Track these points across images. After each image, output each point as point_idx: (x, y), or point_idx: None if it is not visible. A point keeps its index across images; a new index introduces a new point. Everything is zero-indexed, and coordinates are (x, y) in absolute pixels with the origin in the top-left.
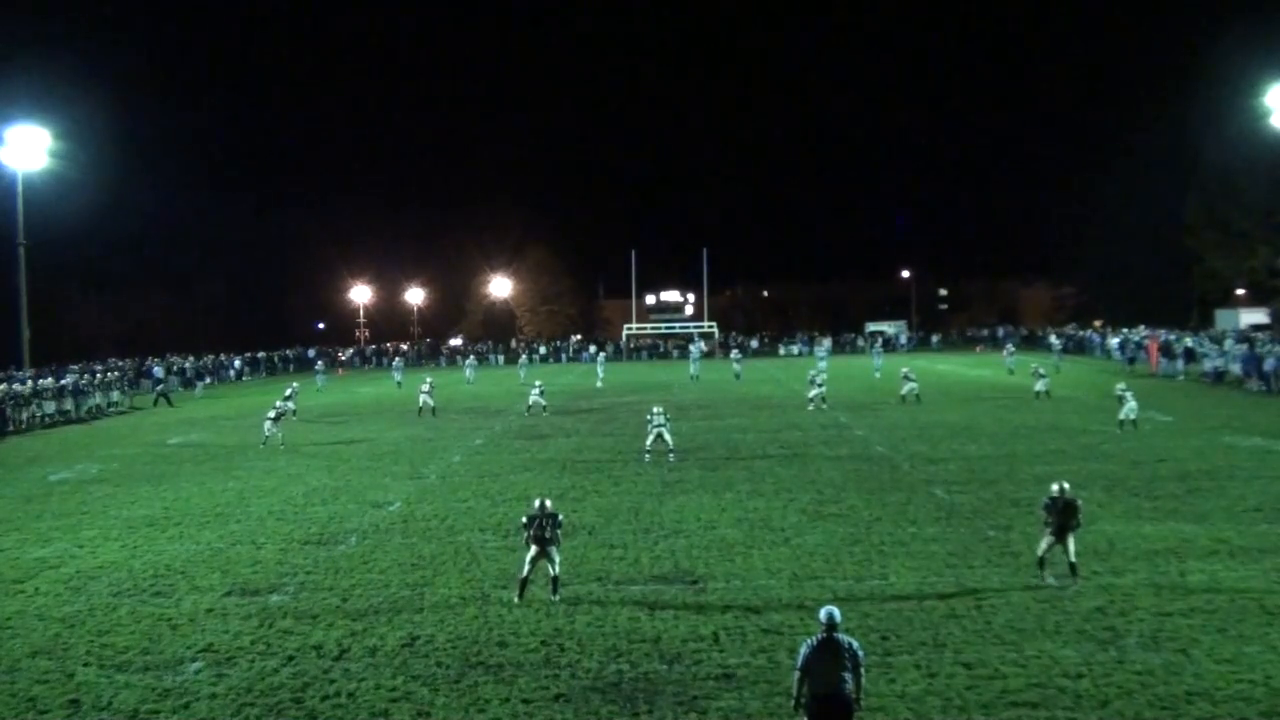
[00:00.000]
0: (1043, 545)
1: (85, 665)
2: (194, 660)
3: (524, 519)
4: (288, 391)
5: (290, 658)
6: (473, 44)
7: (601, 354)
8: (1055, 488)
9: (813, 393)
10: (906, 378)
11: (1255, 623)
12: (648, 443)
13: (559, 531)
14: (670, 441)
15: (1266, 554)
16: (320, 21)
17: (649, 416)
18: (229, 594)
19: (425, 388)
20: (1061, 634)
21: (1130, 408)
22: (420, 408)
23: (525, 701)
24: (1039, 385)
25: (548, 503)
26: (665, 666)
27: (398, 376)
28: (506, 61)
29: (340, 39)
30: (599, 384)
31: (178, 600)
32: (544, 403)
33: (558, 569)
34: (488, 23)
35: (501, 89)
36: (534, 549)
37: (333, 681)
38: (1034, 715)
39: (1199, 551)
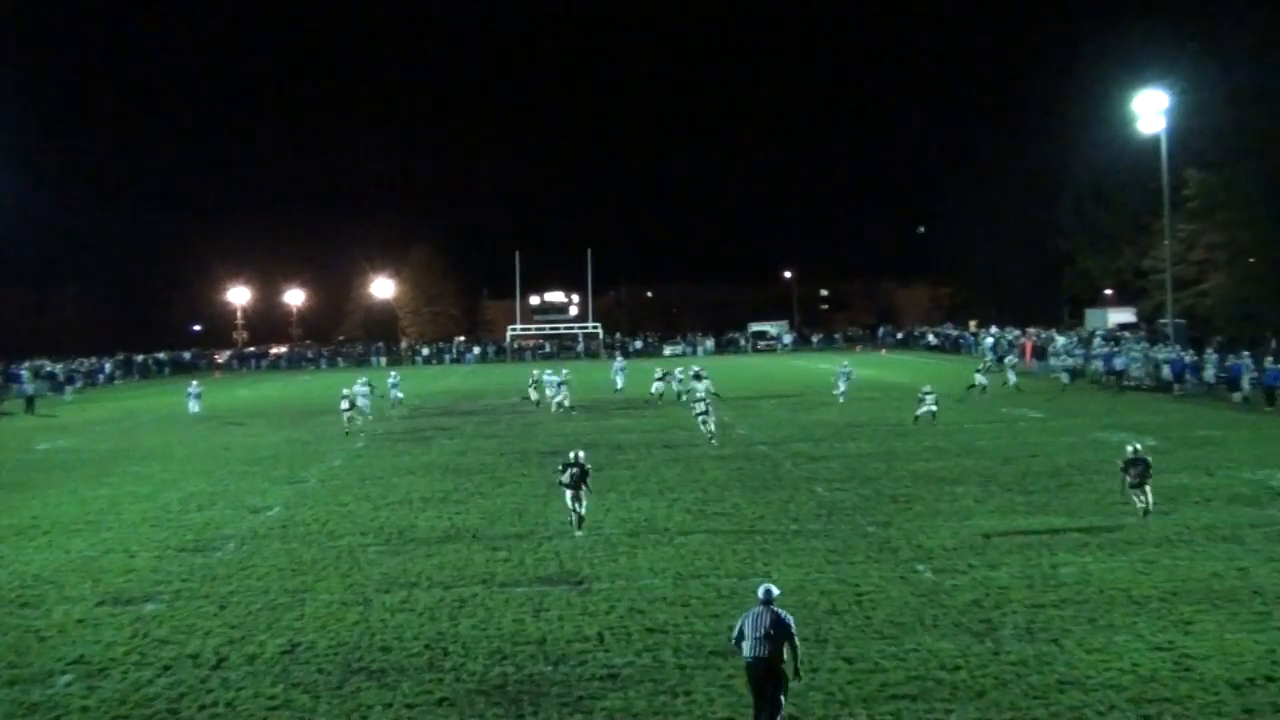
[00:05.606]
0: (1134, 497)
1: None
2: (64, 673)
3: (560, 466)
4: (361, 381)
5: (166, 668)
6: (354, 44)
7: (620, 357)
8: (1129, 449)
9: (655, 387)
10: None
11: (1123, 613)
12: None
13: (588, 479)
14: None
15: (1133, 546)
16: (197, 19)
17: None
18: (101, 604)
19: (363, 388)
20: (939, 627)
21: (928, 409)
22: (348, 418)
23: (409, 706)
24: (979, 380)
25: (581, 454)
26: (550, 668)
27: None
28: (387, 62)
29: (217, 36)
30: (619, 389)
31: (47, 611)
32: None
33: (585, 509)
34: (370, 23)
35: (382, 89)
36: (570, 492)
37: (210, 691)
38: (913, 708)
39: (1070, 544)
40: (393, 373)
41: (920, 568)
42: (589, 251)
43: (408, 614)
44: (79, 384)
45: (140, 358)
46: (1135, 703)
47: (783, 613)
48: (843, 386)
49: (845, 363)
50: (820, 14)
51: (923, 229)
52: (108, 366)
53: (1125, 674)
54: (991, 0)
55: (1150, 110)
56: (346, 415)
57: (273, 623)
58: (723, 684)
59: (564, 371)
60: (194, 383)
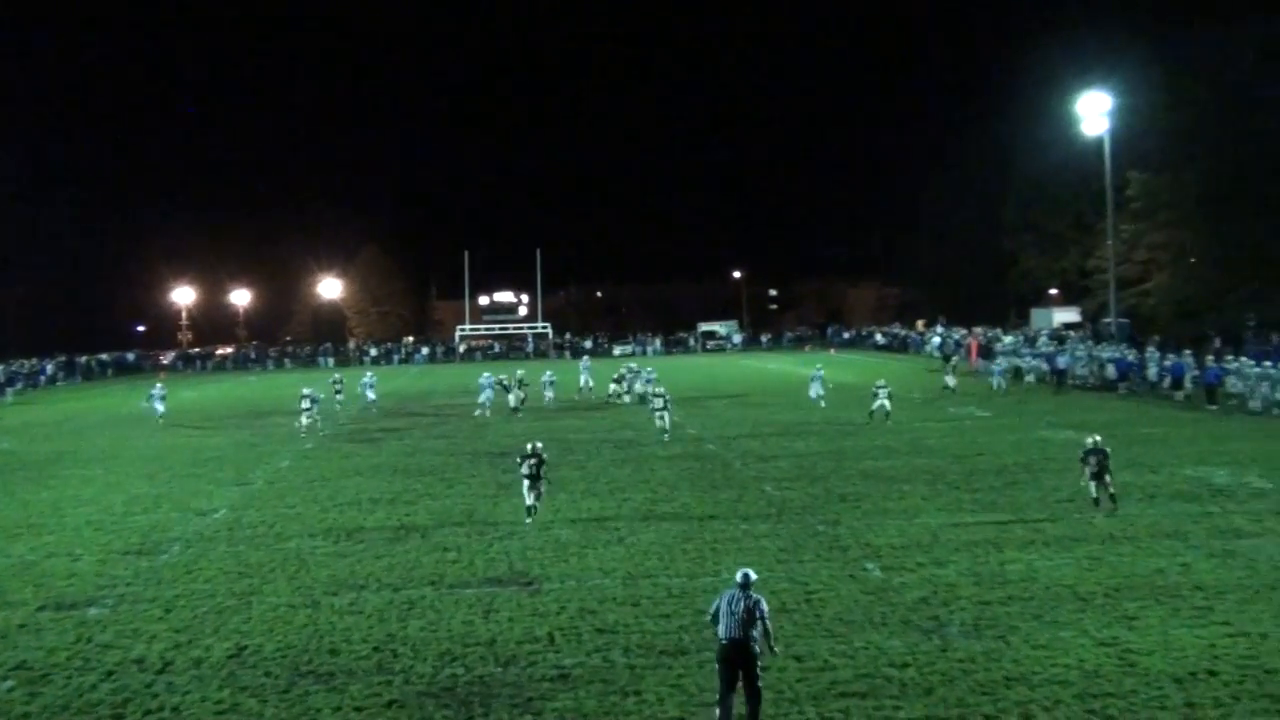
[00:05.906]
0: (1092, 487)
1: None
2: (5, 679)
3: (519, 458)
4: (332, 380)
5: (110, 673)
6: (302, 44)
7: (586, 358)
8: (1089, 440)
9: (611, 388)
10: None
11: (1069, 609)
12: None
13: (544, 468)
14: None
15: (1078, 543)
16: (142, 17)
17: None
18: (43, 608)
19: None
20: (888, 625)
21: (881, 404)
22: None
23: (358, 709)
24: (950, 381)
25: (538, 445)
26: (500, 669)
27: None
28: (336, 61)
29: (160, 34)
30: (590, 387)
31: None
32: (513, 396)
33: (540, 500)
34: (319, 22)
35: (331, 89)
36: (527, 482)
37: (155, 696)
38: (862, 705)
39: (1016, 542)
40: (368, 373)
41: (869, 566)
42: (538, 251)
43: (356, 616)
44: (19, 385)
45: (83, 359)
46: (1080, 698)
47: (758, 596)
48: (820, 390)
49: (817, 365)
50: (768, 16)
51: (942, 318)
52: (49, 368)
53: (1071, 669)
54: (937, 3)
55: (1094, 112)
56: (305, 415)
57: (219, 626)
58: (673, 683)
59: (548, 373)
60: (158, 385)
